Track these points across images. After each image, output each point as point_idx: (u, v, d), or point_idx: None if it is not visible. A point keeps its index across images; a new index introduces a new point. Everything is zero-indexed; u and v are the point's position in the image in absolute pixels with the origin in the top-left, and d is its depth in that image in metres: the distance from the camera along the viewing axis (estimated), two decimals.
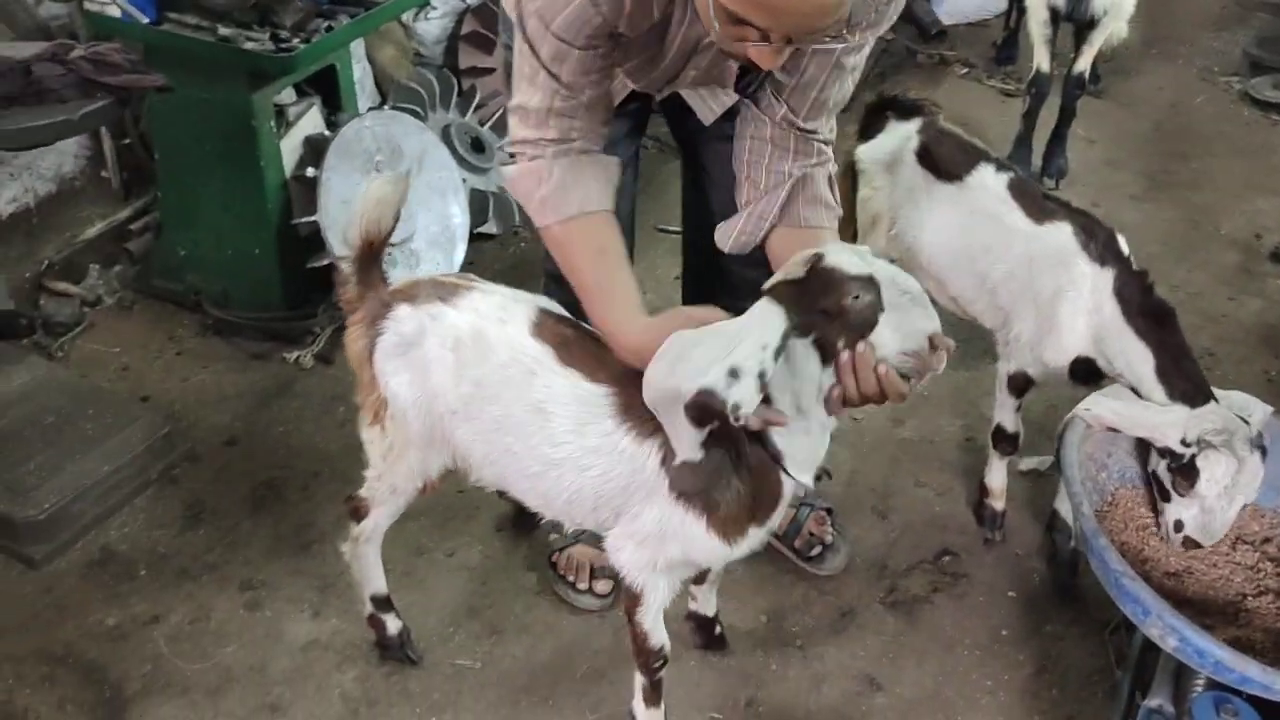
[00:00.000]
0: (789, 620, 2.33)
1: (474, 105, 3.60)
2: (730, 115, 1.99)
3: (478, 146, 3.46)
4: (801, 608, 2.36)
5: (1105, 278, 2.17)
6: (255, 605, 2.32)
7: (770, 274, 2.16)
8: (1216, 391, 2.07)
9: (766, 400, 1.58)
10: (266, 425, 2.78)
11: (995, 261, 2.34)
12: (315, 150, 2.94)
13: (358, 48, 3.41)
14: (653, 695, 1.98)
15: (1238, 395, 2.10)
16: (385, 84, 3.63)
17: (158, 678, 2.17)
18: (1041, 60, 3.76)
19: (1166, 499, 2.09)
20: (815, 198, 1.82)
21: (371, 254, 1.87)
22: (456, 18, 3.82)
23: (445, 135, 3.34)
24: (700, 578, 2.13)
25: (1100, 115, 4.33)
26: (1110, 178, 3.99)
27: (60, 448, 2.49)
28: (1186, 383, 2.06)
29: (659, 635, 1.88)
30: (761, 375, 1.49)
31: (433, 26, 3.78)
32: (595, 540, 2.34)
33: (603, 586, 2.32)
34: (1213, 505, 2.02)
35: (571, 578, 2.33)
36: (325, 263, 2.94)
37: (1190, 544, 2.07)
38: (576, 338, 1.77)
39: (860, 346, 1.55)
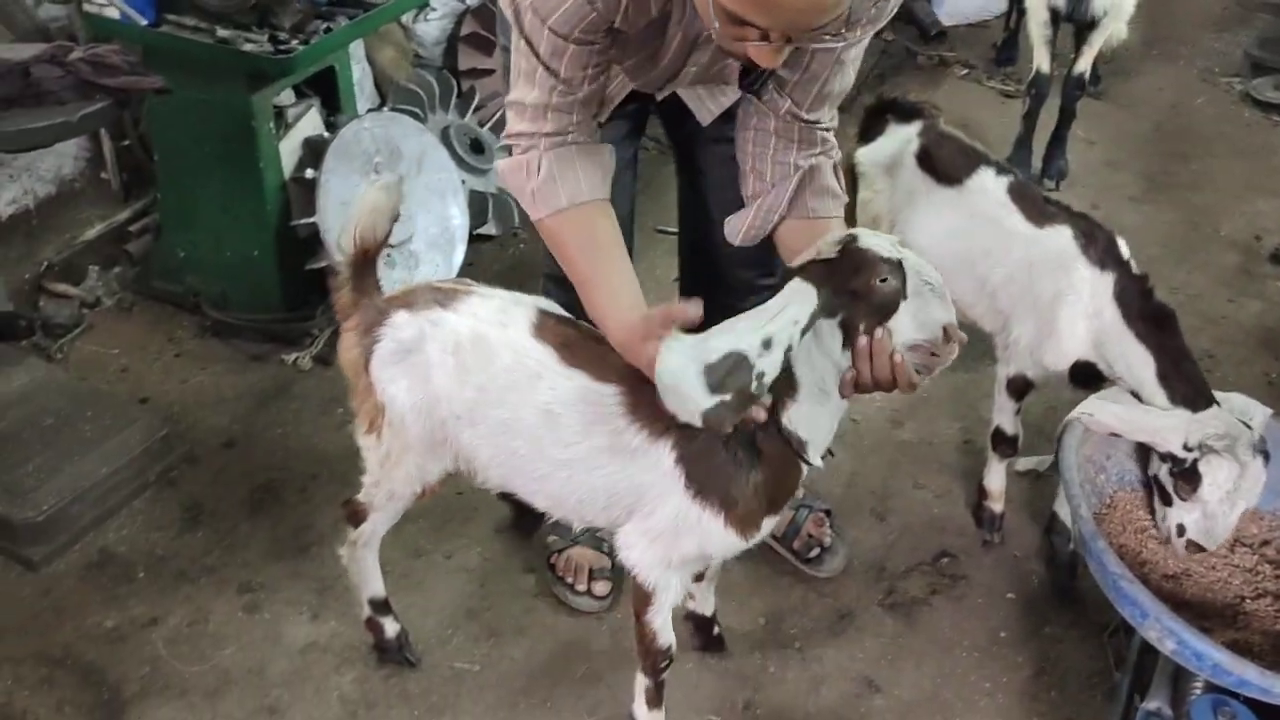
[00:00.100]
0: (787, 622, 2.33)
1: (473, 107, 3.60)
2: (728, 116, 1.99)
3: (477, 148, 3.46)
4: (800, 609, 2.36)
5: (1105, 282, 2.17)
6: (254, 607, 2.32)
7: (767, 275, 2.19)
8: (1216, 394, 2.07)
9: (790, 379, 1.60)
10: (265, 427, 2.78)
11: (995, 265, 2.34)
12: (314, 152, 2.94)
13: (357, 49, 3.41)
14: (655, 697, 1.97)
15: (1237, 398, 2.10)
16: (385, 85, 3.63)
17: (156, 680, 2.17)
18: (1041, 61, 3.76)
19: (1168, 503, 2.08)
20: (823, 188, 1.82)
21: (367, 261, 1.86)
22: (456, 19, 3.82)
23: (444, 137, 3.34)
24: (699, 575, 2.13)
25: (1100, 116, 4.33)
26: (1110, 179, 3.99)
27: (59, 449, 2.49)
28: (1188, 387, 2.05)
29: (667, 635, 1.87)
30: (788, 350, 1.51)
31: (432, 28, 3.77)
32: (594, 542, 2.35)
33: (601, 588, 2.32)
34: (1215, 510, 2.01)
35: (570, 579, 2.33)
36: (324, 264, 2.94)
37: (1193, 548, 2.06)
38: (579, 338, 1.77)
39: (879, 333, 1.58)
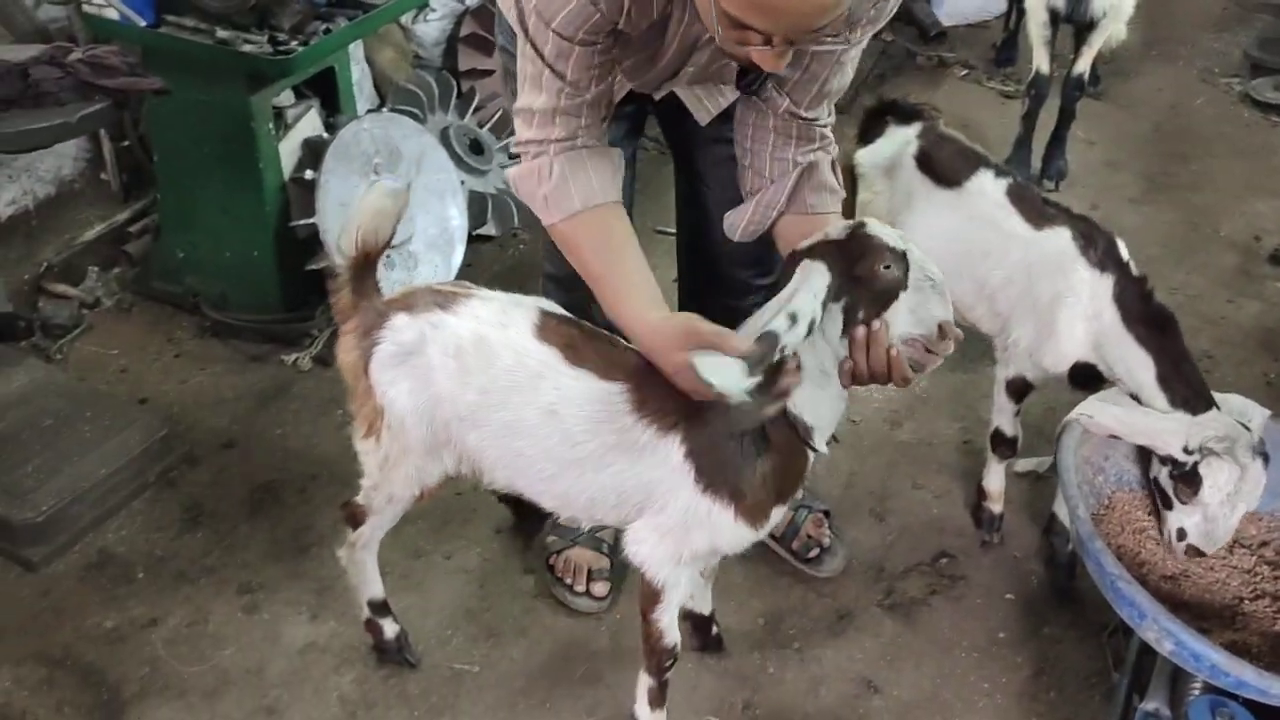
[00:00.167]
0: (786, 622, 2.33)
1: (473, 107, 3.60)
2: (726, 116, 1.99)
3: (476, 149, 3.46)
4: (799, 610, 2.36)
5: (1104, 284, 2.17)
6: (253, 608, 2.32)
7: (764, 275, 2.19)
8: (1215, 395, 2.07)
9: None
10: (264, 428, 2.78)
11: (994, 267, 2.34)
12: (314, 152, 2.94)
13: (357, 50, 3.41)
14: (659, 697, 1.97)
15: (1236, 399, 2.10)
16: (384, 86, 3.63)
17: (155, 680, 2.17)
18: (1041, 62, 3.76)
19: (1169, 506, 2.08)
20: (821, 184, 1.83)
21: (368, 263, 1.86)
22: (455, 20, 3.82)
23: (444, 137, 3.34)
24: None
25: (1100, 117, 4.33)
26: (1110, 179, 3.99)
27: (58, 450, 2.49)
28: (1188, 390, 2.05)
29: (673, 634, 1.88)
30: (812, 323, 1.54)
31: (432, 29, 3.78)
32: (593, 543, 2.35)
33: (600, 589, 2.32)
34: (1216, 513, 2.01)
35: (569, 580, 2.33)
36: (323, 265, 2.94)
37: (1193, 552, 2.06)
38: (583, 337, 1.77)
39: (876, 324, 1.60)
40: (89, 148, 3.28)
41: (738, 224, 1.89)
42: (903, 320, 1.61)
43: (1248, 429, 2.01)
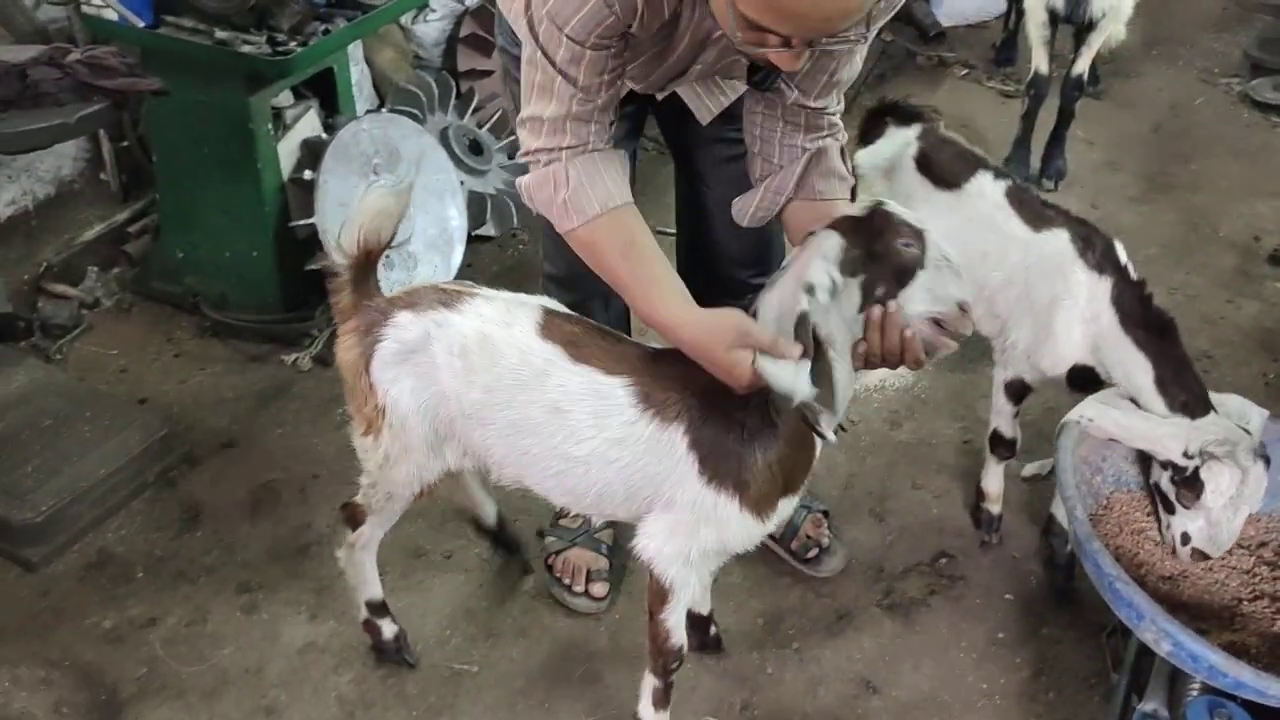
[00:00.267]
0: (785, 623, 2.33)
1: (472, 108, 3.60)
2: (726, 116, 1.99)
3: (476, 149, 3.46)
4: (798, 610, 2.36)
5: (1103, 286, 2.17)
6: (252, 608, 2.32)
7: (762, 275, 2.19)
8: (1213, 396, 2.06)
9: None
10: (264, 428, 2.78)
11: (992, 269, 2.34)
12: (313, 153, 2.94)
13: (356, 50, 3.41)
14: (663, 698, 1.97)
15: (1234, 399, 2.10)
16: (384, 86, 3.63)
17: (154, 680, 2.17)
18: (1040, 62, 3.76)
19: (1171, 511, 2.08)
20: (829, 170, 1.83)
21: (369, 263, 1.86)
22: (455, 20, 3.82)
23: (443, 138, 3.34)
24: None
25: (1099, 117, 4.33)
26: (1109, 179, 3.99)
27: (58, 450, 2.49)
28: (1186, 394, 2.05)
29: (680, 635, 1.87)
30: (834, 286, 1.57)
31: (431, 29, 3.77)
32: (592, 544, 2.35)
33: (599, 589, 2.32)
34: (1219, 517, 2.01)
35: (568, 580, 2.33)
36: (323, 265, 2.93)
37: (1199, 555, 2.06)
38: (586, 334, 1.77)
39: (892, 304, 1.61)
40: (88, 148, 3.28)
41: (746, 209, 1.89)
42: (919, 300, 1.63)
43: (1247, 432, 2.01)
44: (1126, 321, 2.13)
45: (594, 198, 1.70)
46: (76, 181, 3.29)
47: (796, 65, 1.50)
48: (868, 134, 2.67)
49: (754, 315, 1.66)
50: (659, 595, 1.82)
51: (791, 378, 1.56)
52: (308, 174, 2.91)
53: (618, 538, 2.36)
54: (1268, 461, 2.00)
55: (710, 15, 1.56)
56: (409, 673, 2.19)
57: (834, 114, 1.83)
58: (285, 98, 2.96)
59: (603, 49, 1.61)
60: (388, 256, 2.60)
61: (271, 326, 3.04)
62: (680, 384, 1.70)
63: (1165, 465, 2.05)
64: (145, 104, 2.61)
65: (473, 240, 3.33)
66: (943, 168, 2.47)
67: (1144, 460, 2.17)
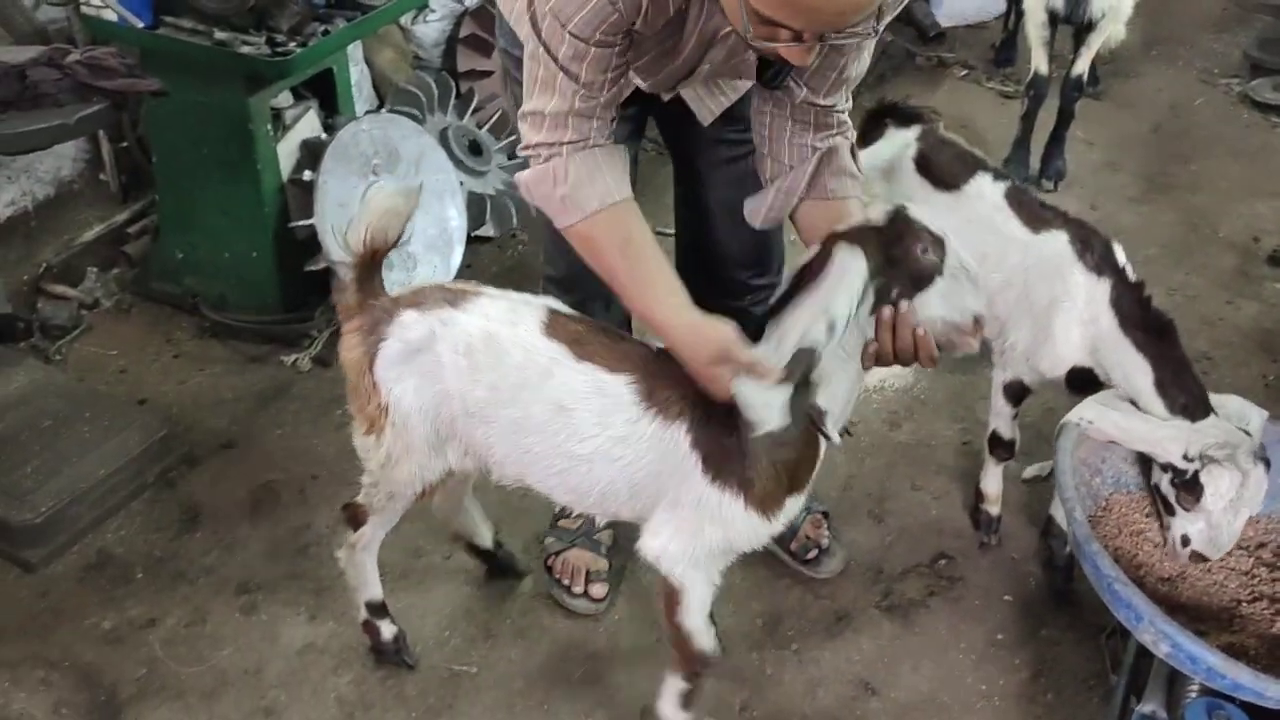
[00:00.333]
0: (784, 624, 2.33)
1: (472, 108, 3.60)
2: (726, 118, 1.99)
3: (475, 149, 3.46)
4: (797, 611, 2.36)
5: (1101, 288, 2.17)
6: (251, 609, 2.32)
7: (761, 275, 2.19)
8: (1213, 397, 2.06)
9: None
10: (264, 428, 2.78)
11: (992, 270, 2.33)
12: (312, 153, 2.94)
13: (355, 51, 3.41)
14: (689, 700, 1.95)
15: (1234, 400, 2.09)
16: (383, 87, 3.63)
17: (153, 681, 2.17)
18: (1040, 62, 3.76)
19: (1171, 513, 2.07)
20: (841, 169, 1.83)
21: (374, 262, 1.86)
22: (455, 21, 3.82)
23: (443, 138, 3.34)
24: None
25: (1099, 117, 4.33)
26: (1109, 180, 3.99)
27: (57, 451, 2.49)
28: (1186, 396, 2.05)
29: (703, 638, 1.86)
30: (847, 321, 1.56)
31: (431, 29, 3.77)
32: (591, 544, 2.35)
33: (598, 590, 2.32)
34: (1219, 519, 2.01)
35: (567, 581, 2.33)
36: (322, 266, 2.94)
37: (1198, 558, 2.06)
38: (590, 333, 1.77)
39: (904, 305, 1.61)
40: (88, 149, 3.28)
41: (759, 210, 1.89)
42: (935, 306, 1.63)
43: (1247, 433, 2.01)
44: (1126, 323, 2.13)
45: (593, 193, 1.70)
46: (76, 182, 3.29)
47: (807, 60, 1.50)
48: (867, 135, 2.66)
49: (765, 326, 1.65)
50: (670, 597, 1.82)
51: (763, 407, 1.56)
52: (307, 175, 2.91)
53: (617, 539, 2.36)
54: (1268, 464, 2.00)
55: (718, 12, 1.56)
56: (408, 674, 2.19)
57: (843, 112, 1.82)
58: (285, 98, 2.96)
59: (607, 46, 1.61)
60: (387, 257, 2.60)
61: (271, 327, 3.04)
62: (684, 382, 1.70)
63: (1165, 468, 2.05)
64: (145, 105, 2.61)
65: (472, 241, 3.33)
66: (942, 169, 2.47)
67: (1144, 462, 2.17)
